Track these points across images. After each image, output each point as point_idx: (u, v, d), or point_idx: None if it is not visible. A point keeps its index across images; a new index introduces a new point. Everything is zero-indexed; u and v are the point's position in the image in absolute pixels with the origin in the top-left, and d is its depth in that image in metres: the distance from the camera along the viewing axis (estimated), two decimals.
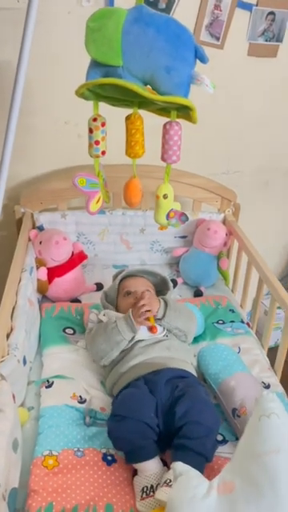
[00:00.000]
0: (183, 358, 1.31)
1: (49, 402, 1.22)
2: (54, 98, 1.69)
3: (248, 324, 1.63)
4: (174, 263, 1.98)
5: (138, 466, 1.06)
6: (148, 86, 1.08)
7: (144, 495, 1.01)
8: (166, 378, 1.19)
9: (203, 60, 1.03)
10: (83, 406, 1.23)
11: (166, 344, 1.32)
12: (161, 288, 1.52)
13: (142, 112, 1.17)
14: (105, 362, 1.31)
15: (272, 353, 1.51)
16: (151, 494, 1.01)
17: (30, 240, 1.72)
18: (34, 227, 1.80)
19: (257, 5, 1.73)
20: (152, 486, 1.02)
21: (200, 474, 0.93)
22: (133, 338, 1.30)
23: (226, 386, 1.24)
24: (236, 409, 1.18)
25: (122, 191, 1.31)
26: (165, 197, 1.25)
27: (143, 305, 1.31)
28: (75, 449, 1.11)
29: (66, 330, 1.52)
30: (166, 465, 1.08)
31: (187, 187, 1.86)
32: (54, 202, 1.82)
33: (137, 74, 1.03)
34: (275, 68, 1.88)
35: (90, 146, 1.19)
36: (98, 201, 1.29)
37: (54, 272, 1.68)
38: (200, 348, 1.41)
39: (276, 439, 0.83)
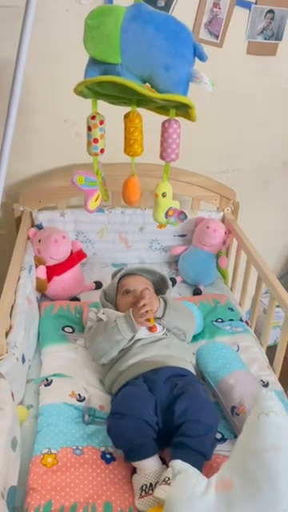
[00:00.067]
0: (182, 357, 1.31)
1: (48, 400, 1.22)
2: (53, 96, 1.68)
3: (247, 322, 1.63)
4: (173, 262, 1.98)
5: (137, 464, 1.06)
6: (147, 84, 1.08)
7: (143, 493, 1.01)
8: (165, 377, 1.19)
9: (202, 58, 1.03)
10: (82, 404, 1.23)
11: (166, 342, 1.32)
12: (160, 286, 1.52)
13: (140, 110, 1.17)
14: (104, 360, 1.31)
15: (271, 351, 1.52)
16: (150, 492, 1.01)
17: (28, 238, 1.72)
18: (32, 226, 1.80)
19: (256, 3, 1.72)
20: (151, 484, 1.02)
21: (199, 472, 0.93)
22: (132, 337, 1.30)
23: (224, 384, 1.24)
24: (235, 407, 1.18)
25: (121, 190, 1.31)
26: (163, 195, 1.25)
27: (144, 305, 1.31)
28: (74, 447, 1.11)
29: (65, 329, 1.52)
30: (164, 463, 1.08)
31: (186, 186, 1.86)
32: (53, 200, 1.82)
33: (135, 72, 1.03)
34: (274, 66, 1.88)
35: (89, 144, 1.19)
36: (96, 199, 1.29)
37: (53, 270, 1.68)
38: (199, 346, 1.41)
39: (274, 437, 0.83)
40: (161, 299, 1.39)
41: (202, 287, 1.84)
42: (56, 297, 1.69)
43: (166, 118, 1.15)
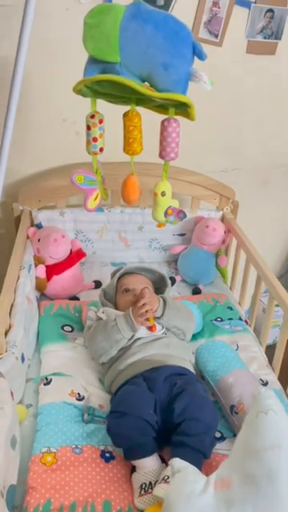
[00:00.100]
0: (182, 356, 1.31)
1: (47, 399, 1.22)
2: (53, 95, 1.68)
3: (246, 321, 1.63)
4: (173, 261, 1.98)
5: (136, 462, 1.06)
6: (146, 83, 1.08)
7: (142, 492, 1.01)
8: (165, 375, 1.19)
9: (201, 57, 1.03)
10: (81, 403, 1.23)
11: (165, 341, 1.32)
12: (159, 285, 1.52)
13: (139, 109, 1.17)
14: (104, 359, 1.31)
15: (270, 350, 1.52)
16: (149, 490, 1.01)
17: (28, 238, 1.72)
18: (32, 225, 1.80)
19: (255, 2, 1.72)
20: (150, 483, 1.02)
21: (197, 470, 0.93)
22: (132, 336, 1.30)
23: (224, 383, 1.24)
24: (234, 406, 1.19)
25: (120, 189, 1.31)
26: (163, 194, 1.25)
27: (144, 304, 1.31)
28: (73, 446, 1.11)
29: (65, 328, 1.52)
30: (164, 462, 1.08)
31: (186, 185, 1.86)
32: (53, 199, 1.82)
33: (134, 71, 1.03)
34: (274, 65, 1.88)
35: (88, 143, 1.19)
36: (96, 198, 1.29)
37: (53, 270, 1.68)
38: (198, 345, 1.41)
39: (273, 435, 0.83)
40: (160, 298, 1.39)
41: (201, 286, 1.84)
42: (55, 296, 1.69)
43: (165, 116, 1.15)
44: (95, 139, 1.17)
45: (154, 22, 0.99)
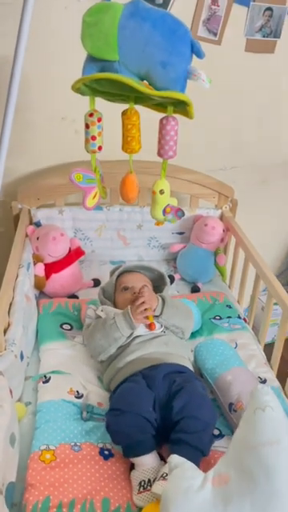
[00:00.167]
0: (180, 354, 1.31)
1: (46, 397, 1.22)
2: (51, 93, 1.68)
3: (245, 320, 1.64)
4: (172, 259, 1.99)
5: (135, 460, 1.07)
6: (144, 81, 1.08)
7: (141, 489, 1.02)
8: (164, 373, 1.19)
9: (199, 55, 1.03)
10: (80, 401, 1.24)
11: (164, 339, 1.32)
12: (158, 284, 1.52)
13: (138, 107, 1.17)
14: (102, 357, 1.31)
15: (269, 348, 1.52)
16: (148, 487, 1.01)
17: (27, 236, 1.72)
18: (31, 223, 1.80)
19: (254, 0, 1.72)
20: (149, 480, 1.02)
21: (195, 466, 0.93)
22: (131, 334, 1.31)
23: (222, 380, 1.24)
24: (232, 403, 1.19)
25: (119, 187, 1.31)
26: (161, 192, 1.26)
27: (142, 302, 1.31)
28: (72, 443, 1.11)
29: (64, 326, 1.52)
30: (163, 459, 1.08)
31: (184, 183, 1.86)
32: (52, 197, 1.82)
33: (133, 69, 1.03)
34: (273, 64, 1.88)
35: (87, 141, 1.19)
36: (94, 196, 1.29)
37: (52, 268, 1.68)
38: (197, 343, 1.42)
39: (271, 432, 0.83)
40: (159, 297, 1.39)
41: (200, 285, 1.84)
42: (54, 294, 1.70)
43: (163, 115, 1.15)
44: (94, 137, 1.17)
45: (152, 20, 0.99)
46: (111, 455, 1.11)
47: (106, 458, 1.10)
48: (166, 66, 1.00)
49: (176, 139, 1.15)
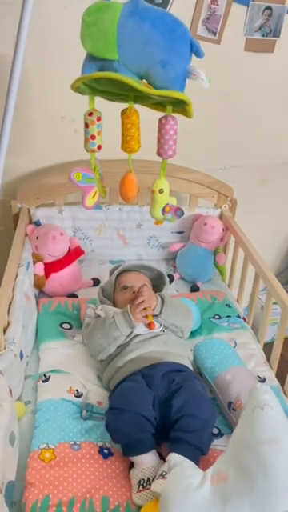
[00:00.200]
0: (180, 353, 1.31)
1: (46, 396, 1.22)
2: (51, 92, 1.68)
3: (244, 319, 1.64)
4: (171, 258, 1.99)
5: (134, 458, 1.07)
6: (144, 81, 1.09)
7: (140, 488, 1.02)
8: (163, 372, 1.20)
9: (198, 54, 1.03)
10: (80, 400, 1.24)
11: (163, 339, 1.32)
12: (157, 283, 1.52)
13: (137, 106, 1.17)
14: (102, 356, 1.32)
15: (268, 348, 1.52)
16: (147, 486, 1.01)
17: (26, 235, 1.72)
18: (30, 222, 1.80)
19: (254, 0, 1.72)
20: (148, 479, 1.02)
21: (194, 464, 0.93)
22: (130, 333, 1.31)
23: (221, 379, 1.24)
24: (232, 402, 1.19)
25: (118, 186, 1.31)
26: (160, 191, 1.26)
27: (142, 301, 1.31)
28: (72, 442, 1.11)
29: (63, 325, 1.53)
30: (162, 458, 1.09)
31: (184, 182, 1.86)
32: (51, 197, 1.82)
33: (132, 68, 1.03)
34: (272, 63, 1.88)
35: (86, 140, 1.19)
36: (94, 195, 1.29)
37: (51, 267, 1.68)
38: (196, 342, 1.42)
39: (269, 430, 0.83)
40: (158, 297, 1.39)
41: (199, 284, 1.84)
42: (54, 293, 1.70)
43: (163, 114, 1.15)
44: (93, 137, 1.17)
45: (152, 20, 0.99)
46: (111, 454, 1.11)
47: (105, 456, 1.10)
48: (166, 65, 1.00)
49: (175, 138, 1.16)
